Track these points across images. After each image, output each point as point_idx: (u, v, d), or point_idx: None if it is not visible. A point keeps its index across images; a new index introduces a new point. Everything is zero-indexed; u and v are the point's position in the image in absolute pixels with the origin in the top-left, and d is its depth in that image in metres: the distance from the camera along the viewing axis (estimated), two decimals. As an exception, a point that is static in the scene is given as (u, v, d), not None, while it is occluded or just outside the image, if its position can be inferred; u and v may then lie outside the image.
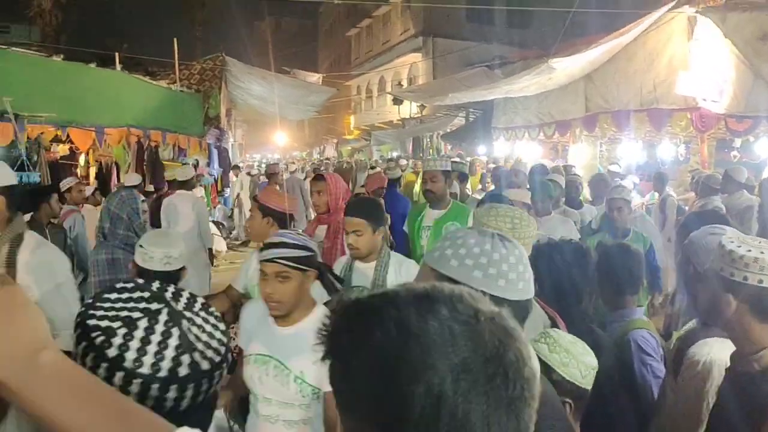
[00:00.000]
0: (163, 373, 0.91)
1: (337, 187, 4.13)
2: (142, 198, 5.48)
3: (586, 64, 10.07)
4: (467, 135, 18.35)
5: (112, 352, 0.91)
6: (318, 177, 4.33)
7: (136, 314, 0.95)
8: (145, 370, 0.91)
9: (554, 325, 1.89)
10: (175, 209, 6.79)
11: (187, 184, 7.24)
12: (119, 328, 0.93)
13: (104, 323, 0.93)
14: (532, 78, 9.99)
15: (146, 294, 0.99)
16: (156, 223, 7.08)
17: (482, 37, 22.88)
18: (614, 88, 10.55)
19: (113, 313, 0.95)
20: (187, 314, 0.99)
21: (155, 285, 1.02)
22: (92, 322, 0.93)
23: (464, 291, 0.74)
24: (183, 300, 1.02)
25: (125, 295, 0.98)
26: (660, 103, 9.51)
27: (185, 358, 0.94)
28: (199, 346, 0.96)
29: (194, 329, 0.98)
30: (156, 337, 0.93)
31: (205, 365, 0.96)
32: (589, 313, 2.43)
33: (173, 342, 0.94)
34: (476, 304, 0.72)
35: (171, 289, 1.03)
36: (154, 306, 0.97)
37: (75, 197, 6.90)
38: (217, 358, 0.98)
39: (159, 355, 0.92)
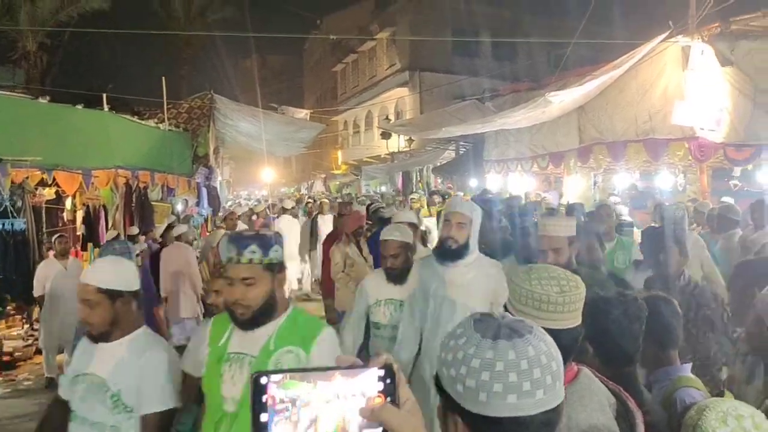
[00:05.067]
0: None
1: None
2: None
3: (579, 96, 10.01)
4: (458, 168, 18.25)
5: None
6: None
7: None
8: None
9: (620, 402, 1.63)
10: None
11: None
12: None
13: None
14: (528, 111, 9.90)
15: None
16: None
17: (469, 70, 22.94)
18: (607, 119, 10.49)
19: None
20: None
21: None
22: None
23: None
24: None
25: None
26: (656, 133, 9.44)
27: None
28: None
29: None
30: None
31: None
32: (636, 375, 2.19)
33: None
34: None
35: None
36: None
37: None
38: None
39: None
